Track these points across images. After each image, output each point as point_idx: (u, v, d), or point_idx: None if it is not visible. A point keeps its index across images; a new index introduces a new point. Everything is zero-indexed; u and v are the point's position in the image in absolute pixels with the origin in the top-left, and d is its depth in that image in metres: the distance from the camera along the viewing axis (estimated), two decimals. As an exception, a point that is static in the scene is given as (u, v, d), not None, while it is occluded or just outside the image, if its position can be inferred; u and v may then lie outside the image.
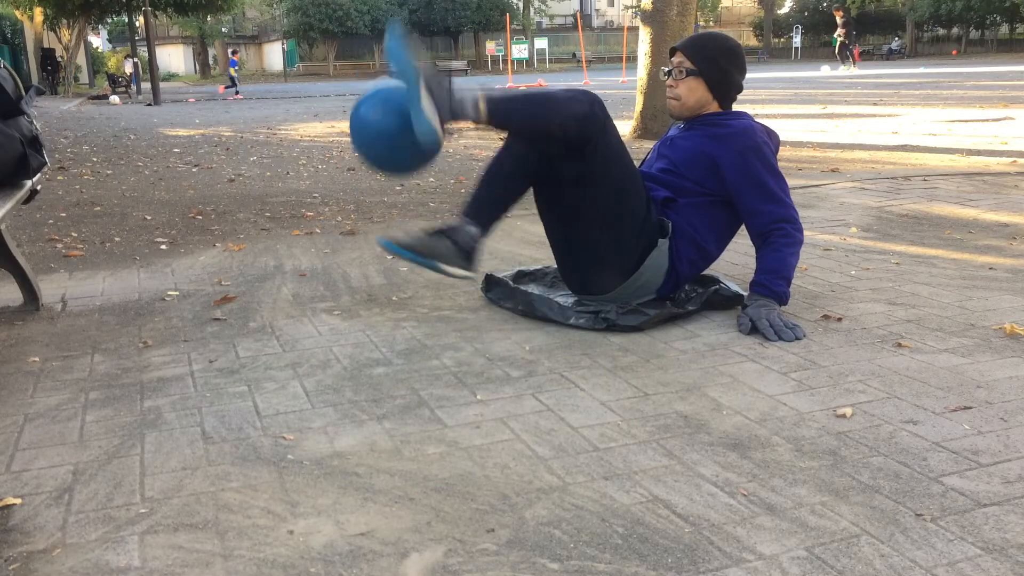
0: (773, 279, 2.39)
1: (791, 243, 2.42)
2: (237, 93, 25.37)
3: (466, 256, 2.37)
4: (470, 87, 2.29)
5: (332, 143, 8.72)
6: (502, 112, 2.29)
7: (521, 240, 3.65)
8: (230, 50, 32.09)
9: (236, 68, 27.54)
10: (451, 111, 2.20)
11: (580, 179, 2.36)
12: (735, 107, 2.60)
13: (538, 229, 3.80)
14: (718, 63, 2.50)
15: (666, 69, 2.57)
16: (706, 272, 2.74)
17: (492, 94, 2.28)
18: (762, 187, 2.41)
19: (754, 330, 2.35)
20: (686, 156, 2.50)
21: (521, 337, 2.37)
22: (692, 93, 2.51)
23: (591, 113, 2.30)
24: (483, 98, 2.25)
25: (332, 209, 4.60)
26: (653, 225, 2.43)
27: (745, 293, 2.49)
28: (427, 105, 2.15)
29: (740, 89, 2.56)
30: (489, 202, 2.44)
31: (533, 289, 2.68)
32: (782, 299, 2.40)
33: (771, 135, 2.54)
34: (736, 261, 3.16)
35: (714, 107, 2.55)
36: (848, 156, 6.33)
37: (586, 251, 2.45)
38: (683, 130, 2.59)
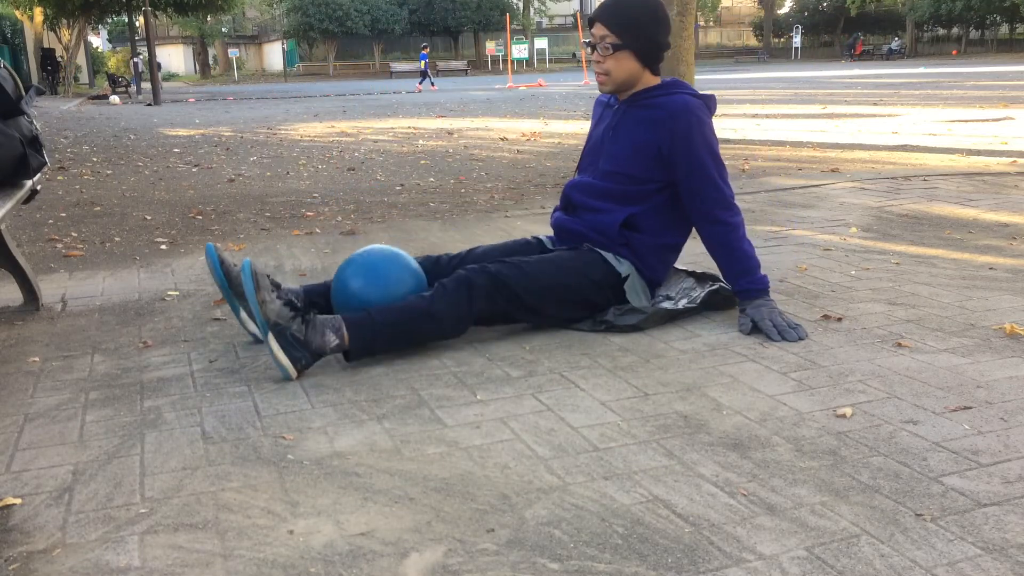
0: (750, 278, 2.39)
1: (734, 230, 2.39)
2: (432, 84, 27.01)
3: (292, 345, 2.07)
4: (331, 320, 2.10)
5: (332, 143, 8.72)
6: (365, 342, 2.13)
7: (521, 240, 3.64)
8: (422, 44, 33.57)
9: (426, 61, 29.02)
10: (312, 354, 2.07)
11: (524, 315, 2.37)
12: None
13: (536, 228, 3.80)
14: (643, 30, 2.37)
15: (587, 42, 2.46)
16: (704, 271, 2.74)
17: (356, 321, 2.12)
18: (700, 169, 2.37)
19: (755, 330, 2.35)
20: (630, 152, 2.43)
21: (521, 337, 2.37)
22: (621, 67, 2.39)
23: (473, 316, 2.24)
24: (346, 326, 2.10)
25: (332, 209, 4.60)
26: (611, 277, 2.41)
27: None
28: (279, 354, 2.03)
29: (667, 48, 2.43)
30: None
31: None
32: (767, 288, 2.41)
33: (709, 103, 2.47)
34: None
35: (646, 77, 2.45)
36: (848, 156, 6.33)
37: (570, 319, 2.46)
38: (618, 112, 2.49)
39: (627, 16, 2.37)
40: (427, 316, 2.19)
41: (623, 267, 2.42)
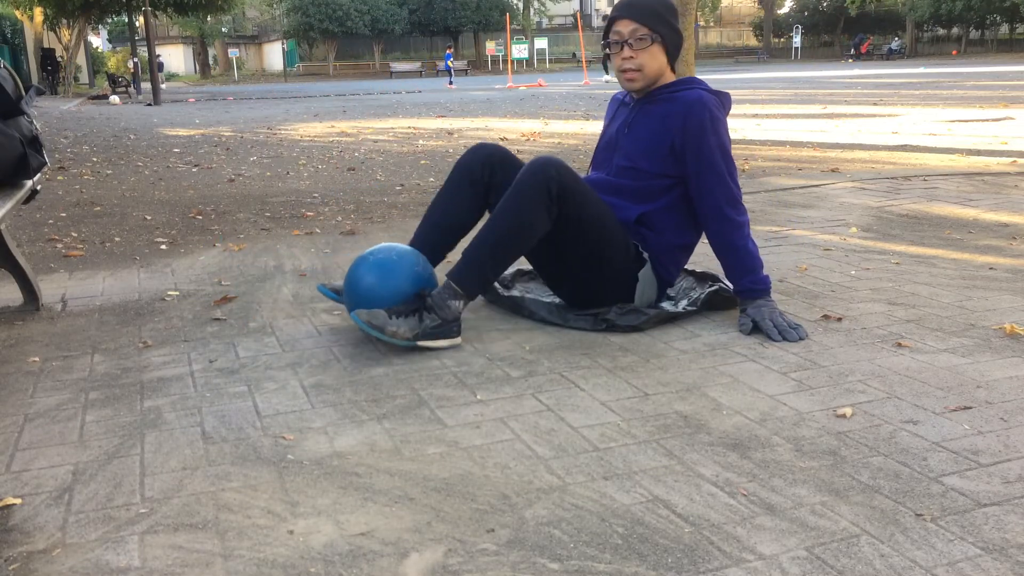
0: (753, 278, 2.39)
1: (739, 228, 2.38)
2: (450, 83, 28.21)
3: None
4: (443, 291, 2.26)
5: (332, 143, 8.72)
6: (477, 282, 2.29)
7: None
8: (447, 45, 34.92)
9: (452, 60, 30.50)
10: (455, 322, 2.27)
11: (555, 238, 2.36)
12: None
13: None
14: (670, 22, 2.39)
15: (616, 40, 2.41)
16: (704, 270, 2.74)
17: (458, 273, 2.26)
18: (710, 165, 2.36)
19: (756, 330, 2.35)
20: (645, 148, 2.42)
21: (521, 337, 2.37)
22: (654, 60, 2.39)
23: (551, 201, 2.27)
24: (455, 283, 2.26)
25: (332, 209, 4.60)
26: (632, 256, 2.42)
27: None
28: (436, 344, 2.26)
29: (684, 38, 2.47)
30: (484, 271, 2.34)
31: (532, 288, 2.68)
32: (769, 289, 2.41)
33: (724, 101, 2.46)
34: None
35: (667, 72, 2.45)
36: (848, 156, 6.33)
37: (579, 292, 2.46)
38: (634, 108, 2.49)
39: (653, 9, 2.37)
40: (515, 226, 2.27)
41: (641, 261, 2.44)
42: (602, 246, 2.36)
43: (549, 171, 2.26)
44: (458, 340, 2.29)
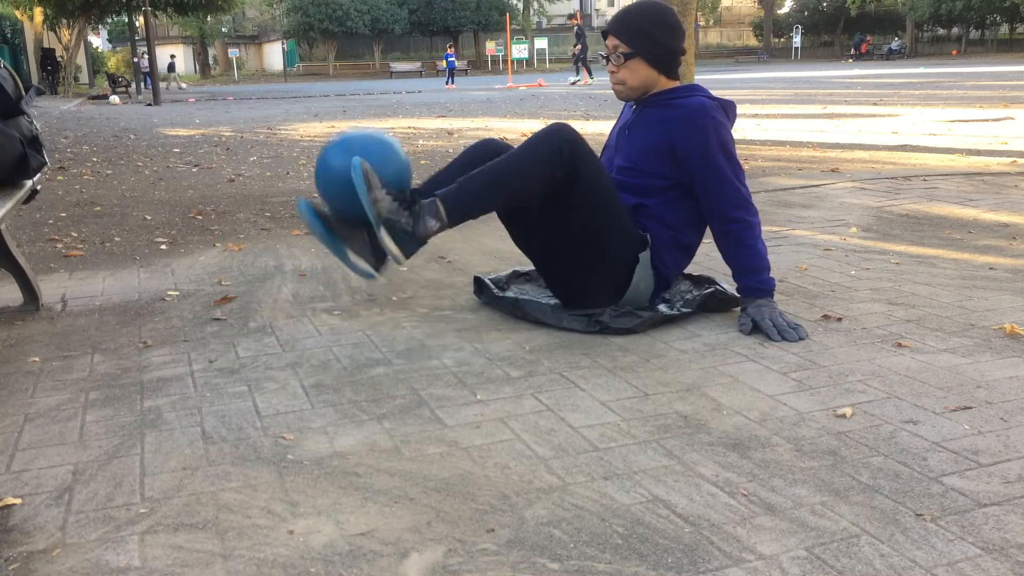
0: (757, 276, 2.39)
1: (750, 228, 2.39)
2: (451, 83, 28.12)
3: (378, 255, 2.33)
4: (429, 205, 2.23)
5: (332, 143, 8.71)
6: (462, 210, 2.28)
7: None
8: (448, 44, 35.04)
9: (453, 59, 30.46)
10: (417, 242, 2.23)
11: (559, 209, 2.35)
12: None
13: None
14: (653, 37, 2.40)
15: (603, 54, 2.50)
16: (702, 273, 2.74)
17: (448, 195, 2.25)
18: (715, 170, 2.36)
19: (756, 330, 2.35)
20: (644, 150, 2.44)
21: (521, 337, 2.37)
22: (635, 75, 2.44)
23: (561, 163, 2.27)
24: (441, 203, 2.25)
25: (332, 209, 4.59)
26: (635, 239, 2.42)
27: (742, 294, 2.48)
28: (390, 244, 2.19)
29: (682, 53, 2.47)
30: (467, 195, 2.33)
31: (528, 291, 2.68)
32: (772, 290, 2.41)
33: (727, 108, 2.47)
34: (736, 261, 3.15)
35: (662, 82, 2.47)
36: (848, 156, 6.33)
37: (574, 276, 2.44)
38: (635, 112, 2.52)
39: (637, 25, 2.41)
40: (517, 170, 2.27)
41: (644, 243, 2.43)
42: (610, 217, 2.36)
43: (565, 134, 2.29)
44: (403, 261, 2.21)
